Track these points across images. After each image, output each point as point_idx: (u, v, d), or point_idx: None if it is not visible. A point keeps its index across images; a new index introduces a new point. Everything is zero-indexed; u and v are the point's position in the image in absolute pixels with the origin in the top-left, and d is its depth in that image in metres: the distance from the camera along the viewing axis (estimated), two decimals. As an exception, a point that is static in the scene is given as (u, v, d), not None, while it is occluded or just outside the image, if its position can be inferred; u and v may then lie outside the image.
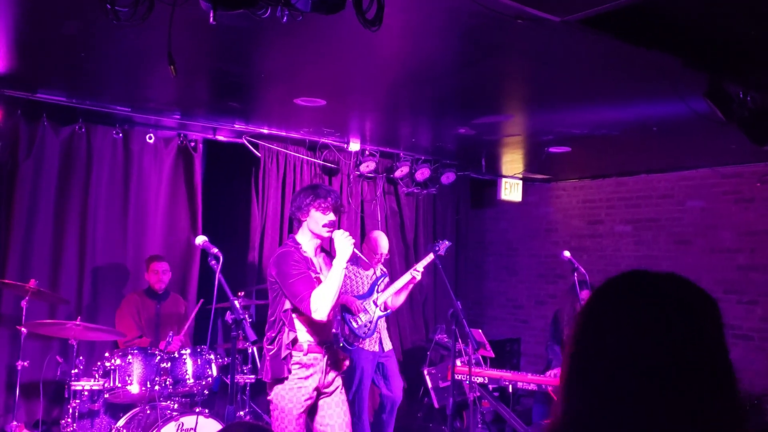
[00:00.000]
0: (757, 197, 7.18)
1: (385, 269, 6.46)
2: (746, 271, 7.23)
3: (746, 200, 7.29)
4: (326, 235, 3.99)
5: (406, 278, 5.91)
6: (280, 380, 3.88)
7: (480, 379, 5.41)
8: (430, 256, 5.77)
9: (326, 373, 4.00)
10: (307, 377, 3.90)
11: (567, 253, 5.89)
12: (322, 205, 3.93)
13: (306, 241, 4.03)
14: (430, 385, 6.58)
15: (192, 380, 5.05)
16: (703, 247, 7.59)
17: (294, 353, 3.90)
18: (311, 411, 4.02)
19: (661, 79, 4.38)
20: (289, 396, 3.87)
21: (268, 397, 3.97)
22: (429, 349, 7.05)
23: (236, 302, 3.71)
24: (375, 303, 6.08)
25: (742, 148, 6.16)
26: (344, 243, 3.85)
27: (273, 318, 3.96)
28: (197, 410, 4.83)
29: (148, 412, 4.91)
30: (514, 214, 9.53)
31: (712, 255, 7.50)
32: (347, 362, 4.19)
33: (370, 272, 6.26)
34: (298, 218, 4.03)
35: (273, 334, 3.94)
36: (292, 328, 3.92)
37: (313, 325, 3.92)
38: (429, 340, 7.66)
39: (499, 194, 8.67)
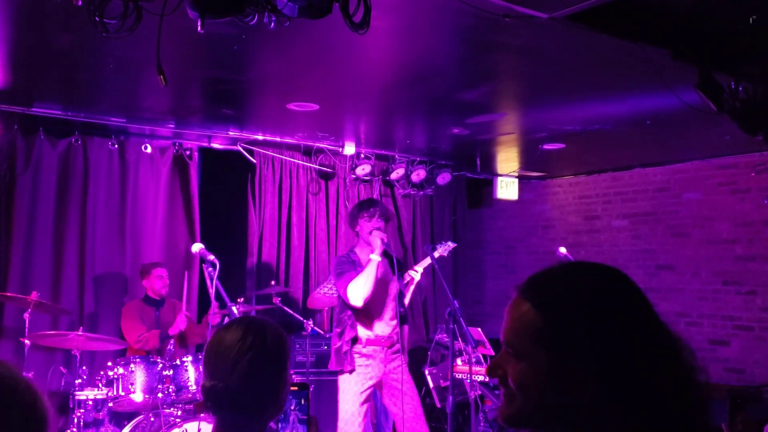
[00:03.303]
0: (753, 187, 7.19)
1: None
2: (744, 262, 7.24)
3: (742, 191, 7.30)
4: (372, 241, 4.59)
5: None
6: (343, 372, 4.59)
7: (481, 378, 5.42)
8: (428, 259, 5.81)
9: (387, 361, 4.66)
10: (367, 366, 4.59)
11: (563, 250, 5.92)
12: (365, 214, 4.60)
13: (360, 249, 4.71)
14: (431, 384, 6.58)
15: (194, 387, 5.06)
16: (700, 239, 7.60)
17: (355, 347, 4.61)
18: (381, 390, 4.73)
19: (652, 72, 4.39)
20: (353, 381, 4.55)
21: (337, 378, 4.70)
22: (430, 349, 7.06)
23: (234, 308, 3.74)
24: None
25: (736, 139, 6.18)
26: (376, 240, 4.51)
27: (339, 316, 4.68)
28: (201, 416, 4.85)
29: (152, 419, 4.92)
30: (510, 213, 9.54)
31: (709, 246, 7.51)
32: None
33: None
34: (354, 230, 4.77)
35: (339, 330, 4.65)
36: (354, 326, 4.61)
37: (369, 323, 4.63)
38: (429, 340, 7.67)
39: (496, 193, 8.68)
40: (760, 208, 7.14)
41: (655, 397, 1.13)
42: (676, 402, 1.14)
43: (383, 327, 4.67)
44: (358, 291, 4.45)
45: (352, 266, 4.61)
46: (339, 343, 4.65)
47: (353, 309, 4.58)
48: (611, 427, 1.14)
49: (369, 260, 4.51)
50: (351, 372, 4.59)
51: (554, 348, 1.18)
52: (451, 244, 6.08)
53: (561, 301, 1.21)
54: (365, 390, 4.61)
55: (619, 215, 8.36)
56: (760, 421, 5.84)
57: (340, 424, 4.64)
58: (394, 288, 4.74)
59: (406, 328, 4.99)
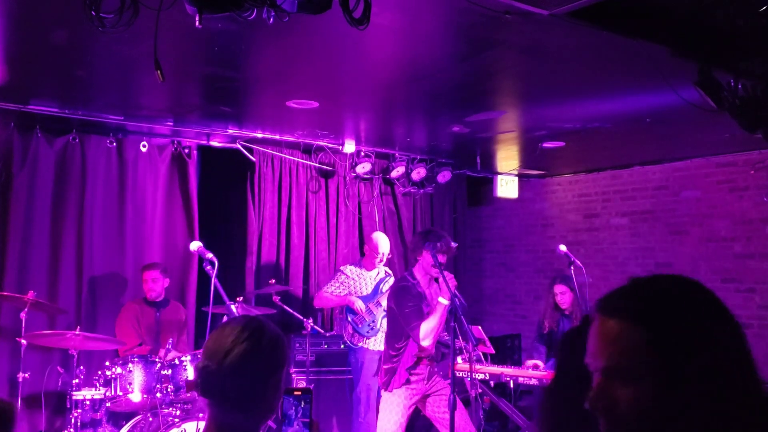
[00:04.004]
0: (752, 185, 7.18)
1: (389, 271, 6.50)
2: (743, 260, 7.24)
3: (741, 189, 7.29)
4: (434, 273, 4.72)
5: None
6: (390, 390, 4.79)
7: (481, 376, 5.41)
8: None
9: (429, 379, 4.86)
10: (416, 382, 4.79)
11: (563, 248, 5.91)
12: (432, 249, 4.63)
13: (420, 275, 4.80)
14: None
15: (193, 386, 5.04)
16: (699, 237, 7.59)
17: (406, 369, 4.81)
18: (424, 403, 4.90)
19: (652, 69, 4.38)
20: (399, 399, 4.75)
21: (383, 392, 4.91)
22: (430, 348, 7.04)
23: (233, 307, 3.72)
24: (379, 303, 6.12)
25: (735, 137, 6.17)
26: (447, 284, 4.54)
27: (399, 345, 4.77)
28: (200, 416, 4.83)
29: (150, 419, 4.90)
30: (510, 211, 9.54)
31: (708, 244, 7.51)
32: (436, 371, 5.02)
33: (374, 273, 6.32)
34: (414, 256, 4.84)
35: (393, 353, 4.78)
36: (409, 352, 4.74)
37: (420, 348, 4.76)
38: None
39: (495, 191, 8.69)
40: (758, 205, 7.13)
41: (758, 411, 1.14)
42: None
43: (429, 350, 4.84)
44: (430, 335, 4.62)
45: (419, 300, 4.70)
46: (391, 364, 4.80)
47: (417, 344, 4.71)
48: None
49: (438, 303, 4.60)
50: (392, 391, 4.77)
51: (669, 366, 1.15)
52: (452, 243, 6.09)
53: (668, 318, 1.18)
54: (409, 408, 4.78)
55: (619, 213, 8.35)
56: None
57: None
58: None
59: None
